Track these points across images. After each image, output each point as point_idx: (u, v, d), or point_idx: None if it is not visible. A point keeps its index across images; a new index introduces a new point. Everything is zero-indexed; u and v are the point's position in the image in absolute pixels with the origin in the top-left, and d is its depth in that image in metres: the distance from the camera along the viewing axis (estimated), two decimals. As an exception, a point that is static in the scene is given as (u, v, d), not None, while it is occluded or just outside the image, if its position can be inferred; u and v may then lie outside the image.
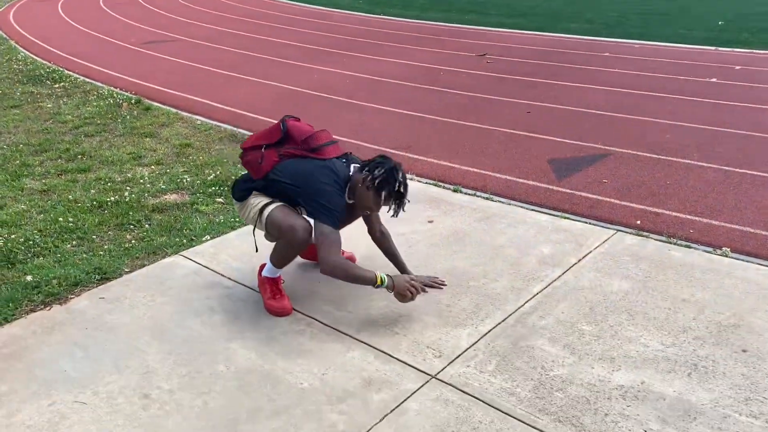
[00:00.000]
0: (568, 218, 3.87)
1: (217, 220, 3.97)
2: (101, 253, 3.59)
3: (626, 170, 4.75)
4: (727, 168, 4.74)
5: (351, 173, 2.84)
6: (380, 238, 3.10)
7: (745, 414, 2.26)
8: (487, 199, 4.24)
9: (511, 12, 13.83)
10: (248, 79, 7.98)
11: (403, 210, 2.84)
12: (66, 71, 8.46)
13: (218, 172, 4.76)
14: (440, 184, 4.52)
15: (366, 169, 2.79)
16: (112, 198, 4.32)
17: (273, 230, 2.82)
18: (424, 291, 2.83)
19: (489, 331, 2.75)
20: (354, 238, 2.94)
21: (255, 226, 2.91)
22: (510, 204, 4.14)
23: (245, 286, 3.18)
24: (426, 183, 4.54)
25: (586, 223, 3.81)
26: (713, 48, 9.51)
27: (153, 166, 4.98)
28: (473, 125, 5.98)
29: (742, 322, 2.78)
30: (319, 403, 2.36)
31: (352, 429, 2.23)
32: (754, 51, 9.24)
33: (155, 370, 2.58)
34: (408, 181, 2.84)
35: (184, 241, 3.70)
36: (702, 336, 2.69)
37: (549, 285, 3.10)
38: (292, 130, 2.85)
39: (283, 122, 2.87)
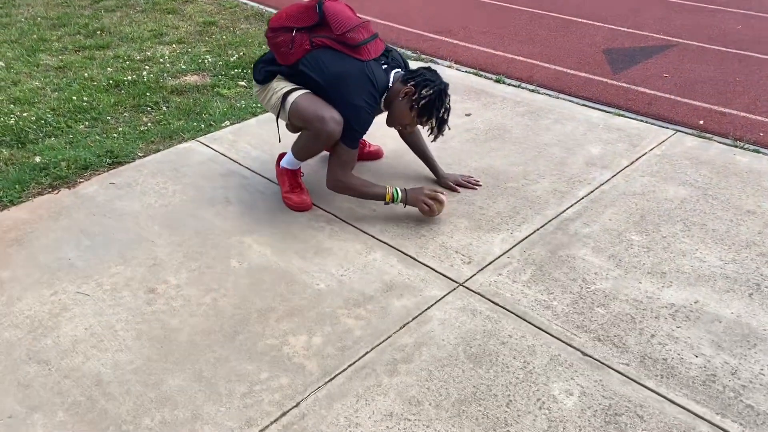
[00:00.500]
0: (622, 115, 3.48)
1: (239, 104, 3.70)
2: (115, 135, 3.38)
3: (690, 64, 4.27)
4: (806, 65, 4.22)
5: (391, 82, 2.51)
6: (408, 133, 2.79)
7: (812, 343, 2.00)
8: (533, 91, 3.85)
9: None
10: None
11: (442, 135, 2.54)
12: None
13: (242, 53, 4.43)
14: (481, 73, 4.13)
15: (411, 82, 2.46)
16: (130, 77, 4.06)
17: (297, 120, 2.54)
18: (440, 202, 2.56)
19: (525, 238, 2.49)
20: (383, 127, 2.66)
21: (278, 115, 2.63)
22: (558, 98, 3.75)
23: (264, 176, 2.95)
24: (465, 72, 4.15)
25: (642, 121, 3.42)
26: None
27: (174, 45, 4.67)
28: (522, 9, 5.45)
29: (814, 239, 2.47)
30: (335, 306, 2.17)
31: (368, 336, 2.04)
32: None
33: (163, 263, 2.41)
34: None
35: (203, 126, 3.45)
36: (767, 253, 2.39)
37: (596, 189, 2.79)
38: (331, 16, 2.46)
39: (321, 3, 2.48)
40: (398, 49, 3.10)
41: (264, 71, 2.61)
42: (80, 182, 2.94)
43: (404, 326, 2.08)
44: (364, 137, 3.05)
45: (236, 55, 4.40)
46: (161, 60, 4.36)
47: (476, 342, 2.01)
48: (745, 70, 4.15)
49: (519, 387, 1.86)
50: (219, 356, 1.99)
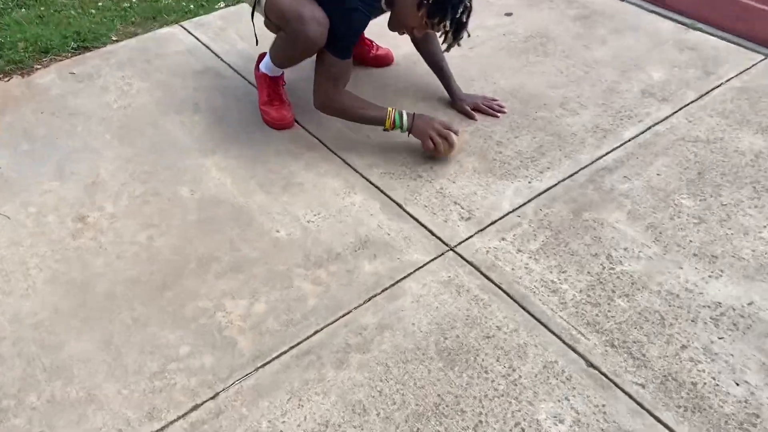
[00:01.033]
0: (700, 29, 2.79)
1: (239, -18, 3.14)
2: (93, 11, 2.91)
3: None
4: None
5: None
6: (420, 38, 2.23)
7: None
8: (593, -12, 3.15)
9: None
10: None
11: (459, 45, 1.97)
12: None
13: None
14: (535, -40, 3.40)
15: None
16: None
17: (274, 17, 2.01)
18: (450, 144, 2.04)
19: (546, 190, 1.99)
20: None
21: (253, 8, 2.11)
22: (622, 0, 3.05)
23: (245, 78, 2.47)
24: (517, -43, 3.43)
25: (725, 39, 2.73)
26: None
27: None
28: None
29: None
30: (291, 262, 1.77)
31: (323, 308, 1.65)
32: None
33: (104, 183, 2.02)
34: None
35: (191, 6, 2.94)
36: None
37: (649, 129, 2.22)
38: None
39: None
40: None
41: None
42: (37, 69, 2.53)
43: (369, 300, 1.67)
44: (371, 38, 2.50)
45: None
46: None
47: (454, 332, 1.60)
48: None
49: (496, 403, 1.46)
50: (138, 316, 1.64)
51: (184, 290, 1.69)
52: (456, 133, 2.05)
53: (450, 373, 1.51)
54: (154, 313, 1.64)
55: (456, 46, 1.97)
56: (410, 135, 2.06)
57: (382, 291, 1.69)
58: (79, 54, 2.62)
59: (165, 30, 2.78)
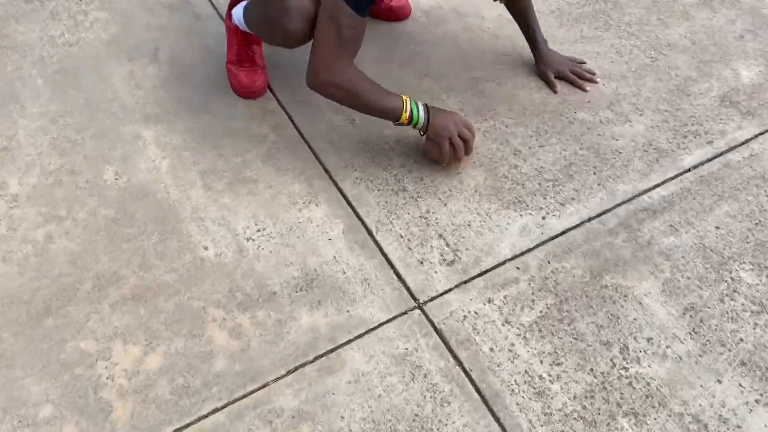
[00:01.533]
0: (817, 12, 2.14)
1: None
2: None
3: None
4: None
5: None
6: None
7: None
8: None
9: None
10: None
11: None
12: None
13: None
14: None
15: None
16: None
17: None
18: (469, 146, 1.57)
19: (563, 233, 1.52)
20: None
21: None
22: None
23: (224, 21, 2.00)
24: None
25: None
26: None
27: None
28: None
29: None
30: (212, 297, 1.39)
31: (233, 375, 1.28)
32: None
33: (17, 149, 1.65)
34: None
35: None
36: None
37: (719, 156, 1.69)
38: None
39: None
40: None
41: None
42: (-17, -21, 2.11)
43: (296, 370, 1.29)
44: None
45: None
46: None
47: (393, 438, 1.21)
48: None
49: None
50: (3, 351, 1.30)
51: (70, 321, 1.34)
52: (474, 134, 1.58)
53: (373, 501, 1.14)
54: (24, 349, 1.30)
55: None
56: (424, 135, 1.58)
57: (315, 359, 1.30)
58: (38, -36, 2.17)
59: (146, -59, 2.29)
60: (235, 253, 1.45)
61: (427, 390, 1.26)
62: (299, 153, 1.66)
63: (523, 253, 1.47)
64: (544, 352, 1.32)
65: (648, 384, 1.28)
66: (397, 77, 1.85)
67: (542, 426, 1.22)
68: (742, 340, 1.35)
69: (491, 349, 1.32)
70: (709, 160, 1.67)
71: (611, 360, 1.31)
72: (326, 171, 1.63)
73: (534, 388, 1.27)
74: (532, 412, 1.24)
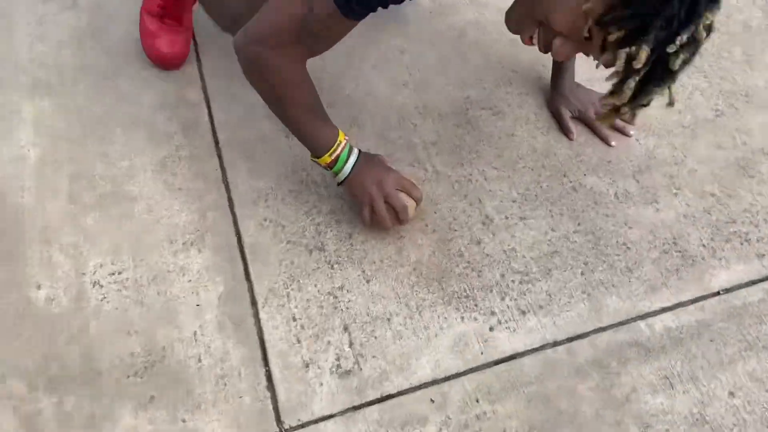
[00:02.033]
0: None
1: None
2: None
3: None
4: None
5: None
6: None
7: None
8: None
9: None
10: None
11: (641, 108, 0.92)
12: None
13: None
14: None
15: None
16: None
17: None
18: (402, 216, 1.15)
19: (517, 356, 1.10)
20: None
21: None
22: None
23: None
24: None
25: None
26: None
27: None
28: None
29: None
30: (22, 366, 1.06)
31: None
32: None
33: None
34: None
35: None
36: None
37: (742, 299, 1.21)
38: None
39: None
40: None
41: None
42: None
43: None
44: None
45: None
46: None
47: None
48: None
49: None
50: None
51: None
52: (418, 200, 1.16)
53: None
54: None
55: (637, 109, 0.91)
56: (341, 186, 1.18)
57: (119, 484, 0.97)
58: None
59: None
60: (72, 302, 1.11)
61: None
62: (205, 167, 1.28)
63: (447, 379, 1.07)
64: None
65: None
66: (365, 79, 1.41)
67: None
68: None
69: None
70: (752, 283, 1.19)
71: None
72: (230, 201, 1.24)
73: None
74: None
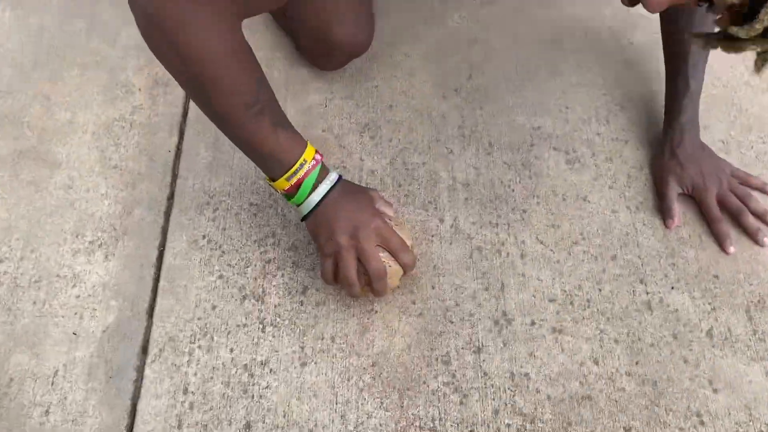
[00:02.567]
0: None
1: None
2: None
3: None
4: None
5: None
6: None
7: None
8: None
9: None
10: None
11: None
12: None
13: None
14: None
15: None
16: None
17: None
18: (376, 287, 0.79)
19: None
20: None
21: None
22: None
23: None
24: None
25: None
26: None
27: None
28: None
29: None
30: None
31: None
32: None
33: None
34: None
35: None
36: None
37: None
38: None
39: None
40: None
41: None
42: None
43: None
44: None
45: None
46: None
47: None
48: None
49: None
50: None
51: None
52: (406, 267, 0.80)
53: None
54: None
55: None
56: (304, 221, 0.82)
57: None
58: None
59: None
60: None
61: None
62: (157, 144, 0.97)
63: None
64: None
65: None
66: (408, 65, 1.02)
67: None
68: None
69: None
70: None
71: None
72: (169, 199, 0.93)
73: None
74: None
